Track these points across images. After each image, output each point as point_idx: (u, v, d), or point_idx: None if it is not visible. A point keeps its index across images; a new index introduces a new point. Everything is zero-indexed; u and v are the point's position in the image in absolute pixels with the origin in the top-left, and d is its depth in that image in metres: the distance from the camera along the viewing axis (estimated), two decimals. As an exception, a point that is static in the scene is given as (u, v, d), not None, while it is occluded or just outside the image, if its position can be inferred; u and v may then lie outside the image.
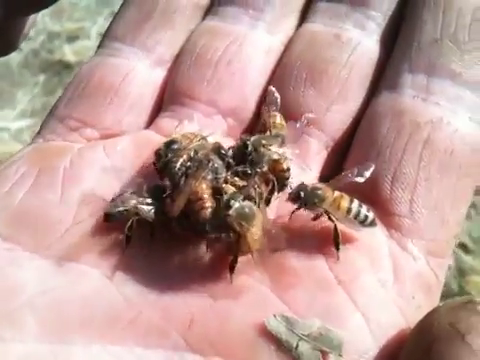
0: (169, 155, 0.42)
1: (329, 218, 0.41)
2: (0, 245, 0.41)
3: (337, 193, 0.41)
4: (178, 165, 0.41)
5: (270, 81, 0.49)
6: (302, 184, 0.42)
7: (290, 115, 0.47)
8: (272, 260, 0.40)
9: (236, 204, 0.40)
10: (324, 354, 0.36)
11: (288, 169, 0.43)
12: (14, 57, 1.86)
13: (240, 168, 0.42)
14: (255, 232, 0.40)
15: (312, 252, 0.40)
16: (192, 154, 0.42)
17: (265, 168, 0.42)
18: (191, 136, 0.44)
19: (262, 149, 0.42)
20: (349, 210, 0.40)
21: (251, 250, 0.40)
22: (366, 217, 0.40)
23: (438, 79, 0.44)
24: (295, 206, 0.42)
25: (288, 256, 0.40)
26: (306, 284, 0.39)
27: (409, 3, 0.48)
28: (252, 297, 0.39)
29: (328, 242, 0.41)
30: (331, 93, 0.46)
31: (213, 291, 0.39)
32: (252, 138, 0.43)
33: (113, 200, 0.43)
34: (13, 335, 0.37)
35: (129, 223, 0.41)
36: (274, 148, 0.42)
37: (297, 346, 0.36)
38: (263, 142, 0.42)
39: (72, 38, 2.02)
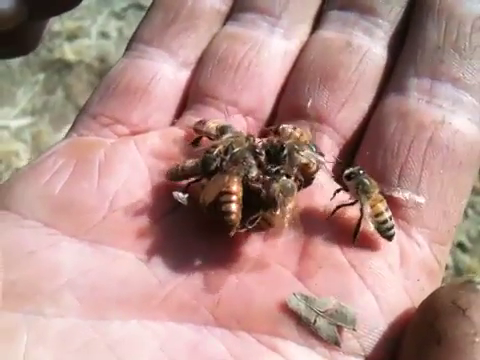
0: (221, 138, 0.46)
1: (361, 210, 0.44)
2: (42, 230, 0.45)
3: (380, 195, 0.44)
4: (214, 155, 0.45)
5: (286, 83, 0.53)
6: (360, 168, 0.45)
7: (305, 115, 0.50)
8: (294, 245, 0.44)
9: (282, 177, 0.44)
10: (339, 328, 0.41)
11: (315, 172, 0.46)
12: (14, 56, 1.88)
13: (272, 168, 0.45)
14: (288, 210, 0.43)
15: (328, 240, 0.44)
16: (229, 148, 0.45)
17: (295, 171, 0.45)
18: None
19: (295, 154, 0.45)
20: (381, 214, 0.43)
21: (280, 225, 0.43)
22: (388, 229, 0.43)
23: (440, 83, 0.48)
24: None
25: (308, 243, 0.45)
26: (323, 267, 0.43)
27: (415, 12, 0.52)
28: (274, 278, 0.43)
29: (342, 231, 0.45)
30: (343, 95, 0.50)
31: (239, 273, 0.43)
32: (287, 142, 0.46)
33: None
34: (54, 311, 0.41)
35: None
36: (305, 152, 0.46)
37: (315, 321, 0.41)
38: (296, 147, 0.46)
39: (72, 37, 2.03)
